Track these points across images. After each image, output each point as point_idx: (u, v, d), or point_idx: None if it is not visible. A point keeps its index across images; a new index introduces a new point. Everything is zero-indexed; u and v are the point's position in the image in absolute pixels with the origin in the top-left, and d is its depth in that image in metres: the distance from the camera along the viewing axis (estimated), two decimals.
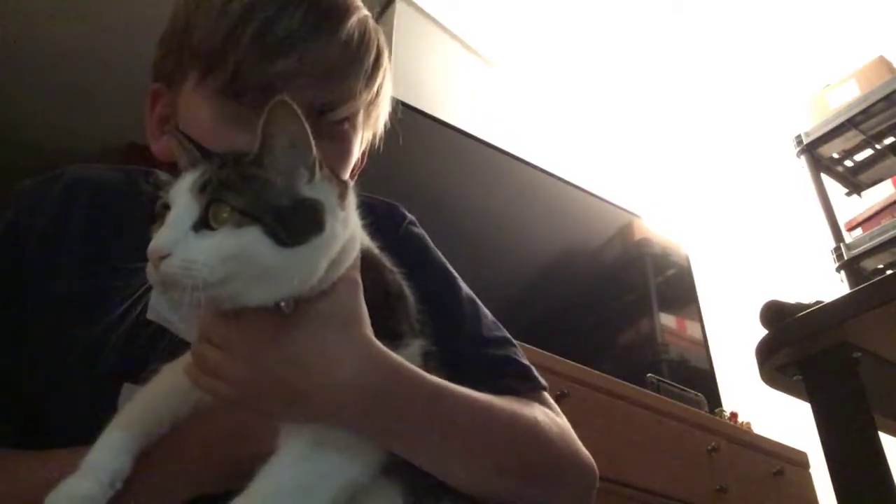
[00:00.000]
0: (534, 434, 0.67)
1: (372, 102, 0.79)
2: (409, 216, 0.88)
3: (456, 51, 2.79)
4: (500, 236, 2.00)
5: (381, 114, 0.84)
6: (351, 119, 0.76)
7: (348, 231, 0.54)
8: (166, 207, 0.50)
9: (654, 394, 1.82)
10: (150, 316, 0.65)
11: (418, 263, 0.76)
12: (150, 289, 0.50)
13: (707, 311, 2.41)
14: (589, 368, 1.66)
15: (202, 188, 0.48)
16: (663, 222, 2.58)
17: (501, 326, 0.81)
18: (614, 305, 2.26)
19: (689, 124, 3.21)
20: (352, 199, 0.57)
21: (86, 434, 0.57)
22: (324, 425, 0.53)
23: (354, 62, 0.73)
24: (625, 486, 1.56)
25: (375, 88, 0.78)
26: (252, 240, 0.47)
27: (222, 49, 0.68)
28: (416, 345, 0.61)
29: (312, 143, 0.51)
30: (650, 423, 1.72)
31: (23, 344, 0.68)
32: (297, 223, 0.49)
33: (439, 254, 0.85)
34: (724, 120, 3.11)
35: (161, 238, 0.47)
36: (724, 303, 2.65)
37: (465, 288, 0.82)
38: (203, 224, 0.48)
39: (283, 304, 0.50)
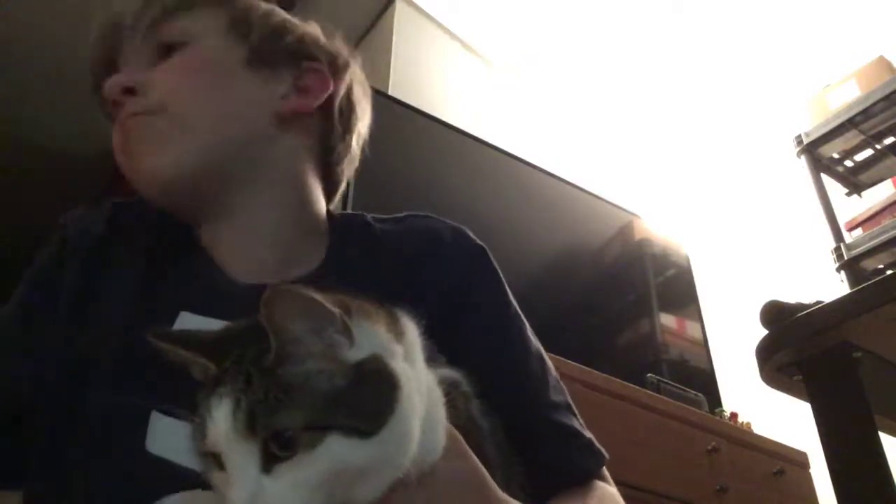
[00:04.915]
0: None
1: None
2: (480, 244, 0.80)
3: (456, 51, 2.79)
4: (500, 236, 1.99)
5: (250, 17, 0.77)
6: (184, 39, 0.73)
7: (419, 362, 0.46)
8: (210, 455, 0.42)
9: (654, 394, 1.82)
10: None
11: (491, 309, 0.74)
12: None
13: (707, 311, 2.41)
14: (589, 368, 1.66)
15: (250, 428, 0.39)
16: (663, 222, 2.58)
17: (564, 387, 0.77)
18: (614, 305, 2.26)
19: (689, 124, 3.21)
20: (403, 323, 0.48)
21: (111, 466, 0.57)
22: None
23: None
24: (625, 486, 1.54)
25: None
26: (335, 452, 0.39)
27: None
28: (499, 476, 0.56)
29: (328, 306, 0.41)
30: (650, 423, 1.72)
31: (51, 367, 0.66)
32: (367, 399, 0.40)
33: (511, 297, 0.79)
34: (724, 120, 3.11)
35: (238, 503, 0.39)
36: (724, 303, 2.65)
37: (534, 340, 0.78)
38: (271, 459, 0.39)
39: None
